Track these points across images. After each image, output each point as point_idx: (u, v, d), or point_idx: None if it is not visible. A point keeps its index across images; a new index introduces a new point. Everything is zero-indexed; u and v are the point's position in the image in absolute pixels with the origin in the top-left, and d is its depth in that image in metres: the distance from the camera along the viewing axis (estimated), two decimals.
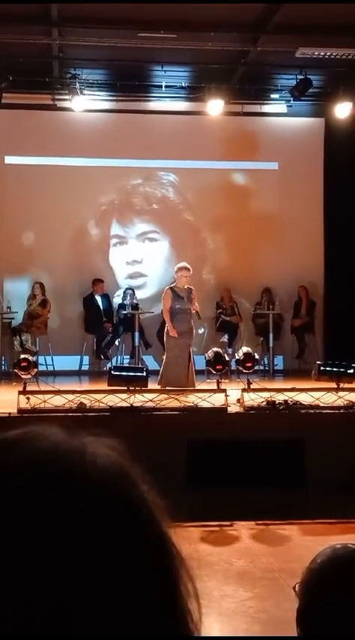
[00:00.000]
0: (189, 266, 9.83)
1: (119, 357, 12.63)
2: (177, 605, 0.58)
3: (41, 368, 10.37)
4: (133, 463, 0.61)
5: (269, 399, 8.19)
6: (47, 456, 0.58)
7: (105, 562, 0.54)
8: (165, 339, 9.80)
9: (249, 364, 8.67)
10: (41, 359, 11.42)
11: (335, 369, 8.75)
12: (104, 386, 8.51)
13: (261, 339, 13.01)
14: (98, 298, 12.85)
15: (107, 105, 13.01)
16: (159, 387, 9.03)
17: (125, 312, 12.59)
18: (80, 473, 0.57)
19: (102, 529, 0.55)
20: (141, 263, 13.50)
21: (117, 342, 12.76)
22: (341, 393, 8.36)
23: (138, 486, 0.59)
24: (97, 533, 0.55)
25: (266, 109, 13.41)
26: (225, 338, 12.58)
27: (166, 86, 12.56)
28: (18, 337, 12.08)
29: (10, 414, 7.68)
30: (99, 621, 0.53)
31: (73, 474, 0.57)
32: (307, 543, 5.83)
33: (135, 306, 12.58)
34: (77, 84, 11.92)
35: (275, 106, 13.40)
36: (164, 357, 9.77)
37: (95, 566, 0.54)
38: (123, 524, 0.56)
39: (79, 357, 12.74)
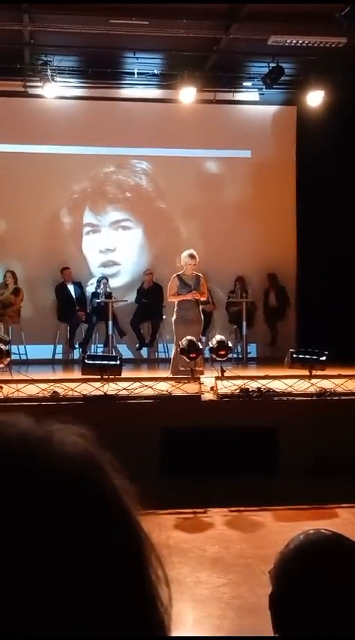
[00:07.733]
0: (195, 253, 9.70)
1: (93, 345, 12.61)
2: (146, 590, 0.58)
3: (14, 357, 10.33)
4: (102, 450, 0.61)
5: (243, 386, 8.23)
6: (14, 445, 0.58)
7: (73, 548, 0.54)
8: (174, 328, 9.68)
9: (222, 352, 8.70)
10: (14, 348, 11.35)
11: (307, 357, 8.82)
12: (78, 375, 8.49)
13: (235, 327, 13.06)
14: (70, 287, 12.81)
15: (79, 92, 12.93)
16: (171, 376, 8.95)
17: (98, 300, 12.56)
18: (47, 460, 0.57)
19: (69, 516, 0.55)
20: (115, 251, 13.46)
21: (82, 330, 12.72)
22: (313, 380, 8.43)
23: (106, 473, 0.59)
24: (65, 520, 0.55)
25: (238, 96, 13.42)
26: None
27: (138, 73, 12.49)
28: None
29: None
30: (67, 608, 0.53)
31: (40, 462, 0.57)
32: (280, 529, 5.88)
33: (108, 295, 12.55)
34: (49, 71, 11.83)
35: (248, 93, 13.41)
36: (174, 346, 9.68)
37: (63, 552, 0.54)
38: (90, 510, 0.57)
39: (53, 346, 12.71)
